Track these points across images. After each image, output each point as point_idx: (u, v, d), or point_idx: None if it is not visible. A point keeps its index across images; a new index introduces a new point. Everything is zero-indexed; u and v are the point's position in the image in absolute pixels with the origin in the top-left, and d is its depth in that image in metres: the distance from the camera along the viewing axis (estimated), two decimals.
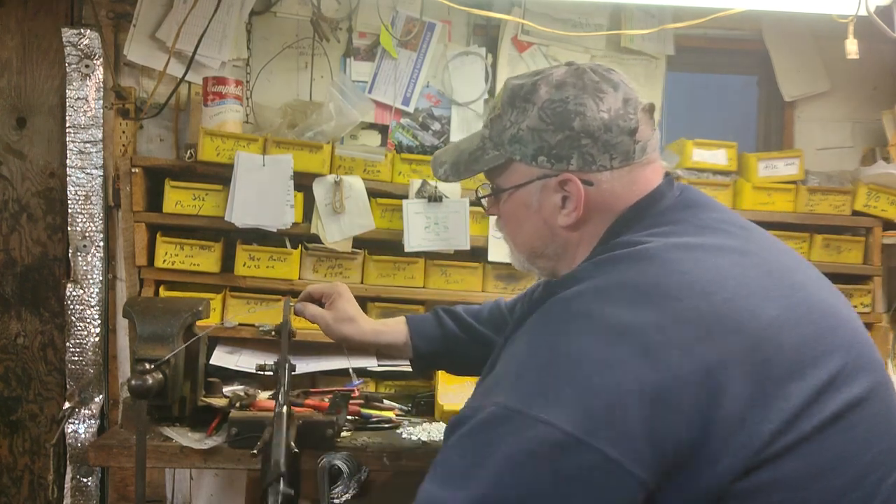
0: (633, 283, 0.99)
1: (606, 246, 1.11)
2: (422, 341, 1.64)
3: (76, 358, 2.28)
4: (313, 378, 2.21)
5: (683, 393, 0.91)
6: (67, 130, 2.27)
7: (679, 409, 0.90)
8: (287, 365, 1.48)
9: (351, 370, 1.84)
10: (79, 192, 2.27)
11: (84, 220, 2.27)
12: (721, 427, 0.91)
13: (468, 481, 0.90)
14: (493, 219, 2.19)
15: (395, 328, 1.66)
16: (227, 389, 2.03)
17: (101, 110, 2.28)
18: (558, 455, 0.88)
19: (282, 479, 1.18)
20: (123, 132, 2.29)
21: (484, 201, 1.30)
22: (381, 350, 1.68)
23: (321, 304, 1.69)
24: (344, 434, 1.81)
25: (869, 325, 2.34)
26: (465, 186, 2.23)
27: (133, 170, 2.17)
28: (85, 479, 2.29)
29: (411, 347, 1.64)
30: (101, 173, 2.28)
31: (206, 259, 2.18)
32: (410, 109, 2.42)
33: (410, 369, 1.73)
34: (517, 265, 1.29)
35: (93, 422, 2.29)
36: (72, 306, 2.27)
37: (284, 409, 1.35)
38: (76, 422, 2.28)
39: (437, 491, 0.92)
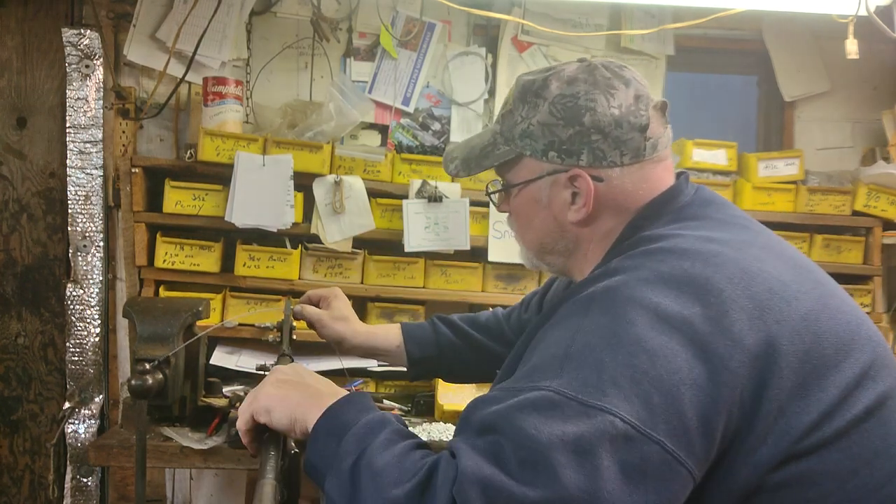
0: (676, 275, 0.98)
1: (632, 241, 1.11)
2: (415, 346, 1.62)
3: (76, 358, 2.28)
4: None
5: (732, 384, 0.91)
6: (67, 130, 2.27)
7: (728, 400, 0.91)
8: (289, 353, 1.49)
9: (346, 371, 1.84)
10: (79, 192, 2.27)
11: (84, 220, 2.27)
12: (762, 418, 0.92)
13: (524, 470, 0.85)
14: (494, 215, 2.21)
15: (388, 332, 1.65)
16: (227, 389, 2.03)
17: (101, 110, 2.28)
18: (622, 446, 0.86)
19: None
20: (123, 132, 2.29)
21: (494, 197, 1.29)
22: (372, 353, 1.67)
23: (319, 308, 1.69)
24: None
25: None
26: (466, 186, 2.23)
27: (133, 170, 2.17)
28: (85, 479, 2.29)
29: (405, 353, 1.63)
30: (101, 173, 2.28)
31: (206, 259, 2.18)
32: (410, 109, 2.42)
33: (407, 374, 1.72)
34: (527, 263, 1.29)
35: (93, 422, 2.29)
36: (72, 306, 2.27)
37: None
38: (76, 422, 2.28)
39: (502, 478, 0.85)
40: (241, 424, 1.08)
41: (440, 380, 2.06)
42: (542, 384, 0.91)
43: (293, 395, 1.05)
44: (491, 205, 1.35)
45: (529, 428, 0.87)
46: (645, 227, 1.11)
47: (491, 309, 1.72)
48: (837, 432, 0.94)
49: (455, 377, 1.75)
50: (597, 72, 1.13)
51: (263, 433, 1.08)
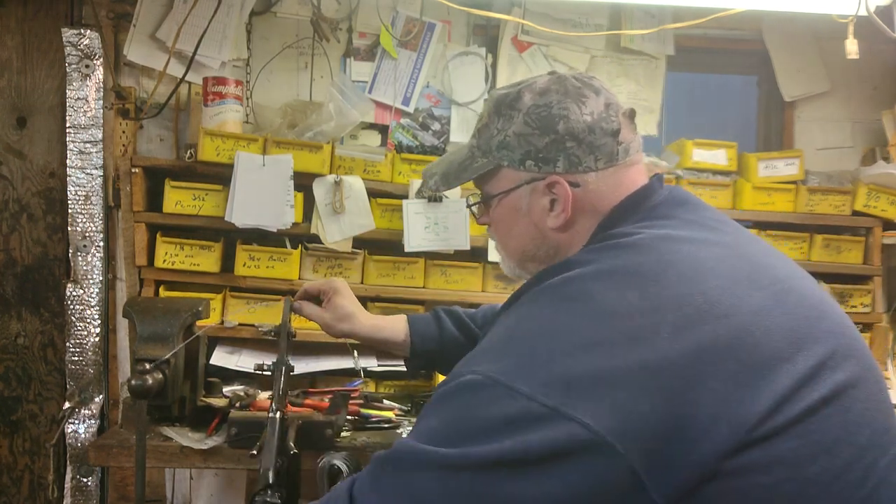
0: (625, 269, 1.02)
1: (598, 237, 1.15)
2: (419, 339, 1.66)
3: (76, 358, 2.29)
4: (313, 378, 2.21)
5: (669, 374, 0.92)
6: (67, 130, 2.27)
7: (663, 389, 0.91)
8: (284, 367, 1.48)
9: (362, 371, 1.85)
10: (79, 192, 2.27)
11: (84, 220, 2.27)
12: (705, 409, 0.92)
13: (447, 440, 0.93)
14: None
15: (394, 325, 1.67)
16: (227, 389, 2.03)
17: (101, 110, 2.28)
18: (545, 425, 0.89)
19: (269, 489, 1.18)
20: (123, 132, 2.30)
21: (474, 209, 1.33)
22: (379, 346, 1.70)
23: (319, 301, 1.70)
24: (343, 434, 1.81)
25: (869, 325, 2.33)
26: (466, 186, 2.23)
27: (133, 170, 2.17)
28: (85, 479, 2.29)
29: (409, 345, 1.66)
30: (101, 173, 2.28)
31: (206, 259, 2.18)
32: (410, 109, 2.42)
33: (405, 369, 1.74)
34: (508, 271, 1.32)
35: (93, 422, 2.29)
36: (72, 306, 2.27)
37: (278, 414, 1.33)
38: (76, 422, 2.28)
39: (413, 443, 0.96)
40: None
41: (441, 377, 2.06)
42: (476, 368, 0.98)
43: None
44: None
45: (459, 409, 0.95)
46: (614, 226, 1.15)
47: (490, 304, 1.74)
48: (792, 420, 0.94)
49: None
50: (567, 82, 1.19)
51: None
